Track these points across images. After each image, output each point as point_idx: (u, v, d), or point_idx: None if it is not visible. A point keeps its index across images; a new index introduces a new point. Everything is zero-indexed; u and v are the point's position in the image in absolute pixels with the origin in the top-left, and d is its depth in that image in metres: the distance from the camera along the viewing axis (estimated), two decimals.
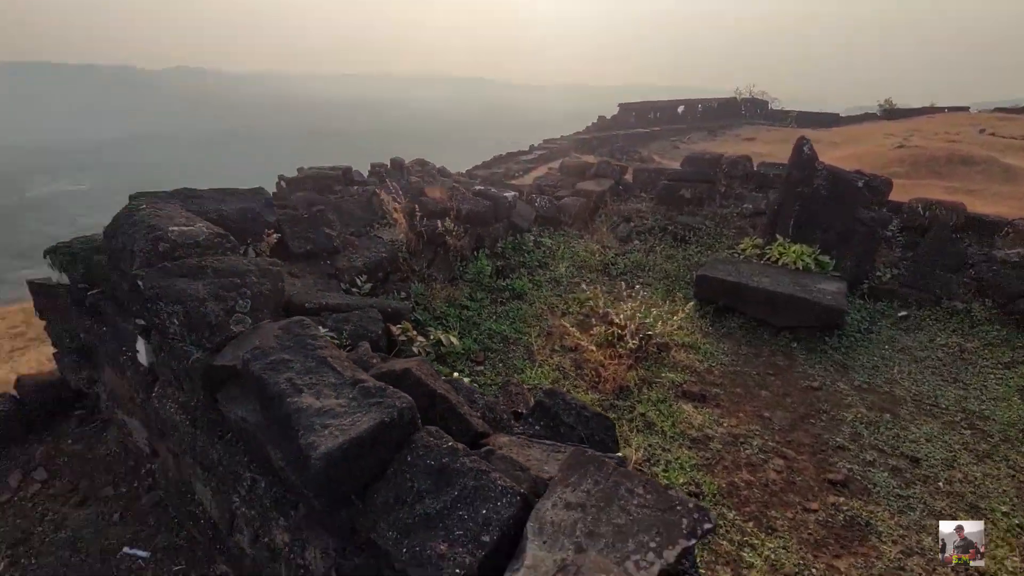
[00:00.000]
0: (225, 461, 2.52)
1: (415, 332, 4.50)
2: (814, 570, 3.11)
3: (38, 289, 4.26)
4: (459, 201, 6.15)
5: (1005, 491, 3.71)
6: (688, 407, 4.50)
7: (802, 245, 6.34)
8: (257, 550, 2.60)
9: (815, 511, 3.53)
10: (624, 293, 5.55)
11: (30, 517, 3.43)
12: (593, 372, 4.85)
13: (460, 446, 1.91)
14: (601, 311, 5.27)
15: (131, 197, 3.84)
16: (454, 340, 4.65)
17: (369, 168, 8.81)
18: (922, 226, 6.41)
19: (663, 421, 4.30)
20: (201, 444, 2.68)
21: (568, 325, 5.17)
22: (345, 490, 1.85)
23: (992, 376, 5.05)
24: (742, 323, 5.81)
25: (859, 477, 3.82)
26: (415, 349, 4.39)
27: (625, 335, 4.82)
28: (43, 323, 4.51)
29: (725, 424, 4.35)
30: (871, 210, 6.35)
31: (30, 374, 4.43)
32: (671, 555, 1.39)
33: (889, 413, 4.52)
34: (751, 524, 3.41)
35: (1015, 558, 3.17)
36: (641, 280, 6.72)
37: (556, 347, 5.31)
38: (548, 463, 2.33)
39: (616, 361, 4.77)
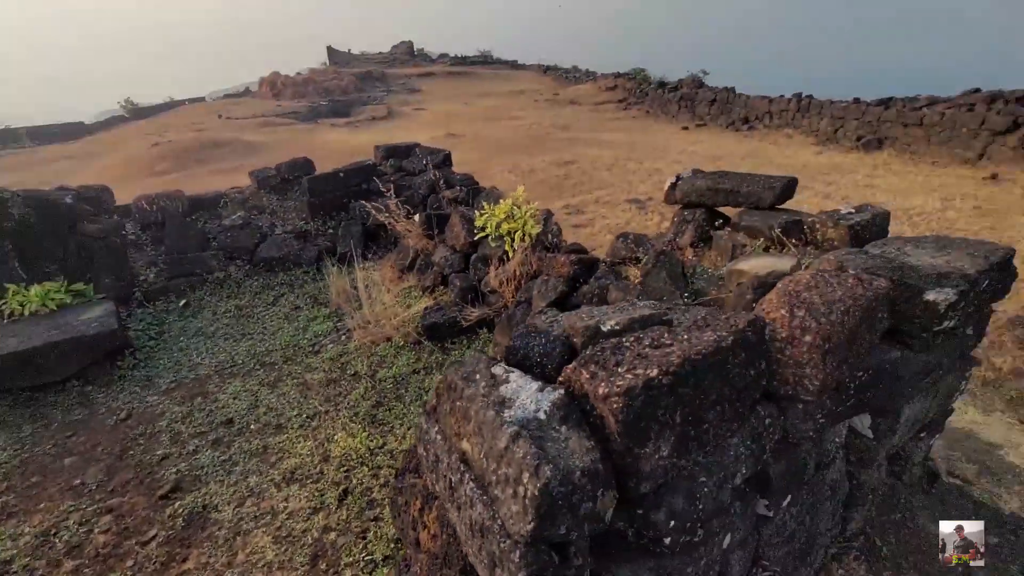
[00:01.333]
0: None
1: None
2: None
3: None
4: None
5: (292, 400, 4.66)
6: None
7: (44, 284, 5.52)
8: None
9: (157, 540, 3.41)
10: None
11: None
12: None
13: None
14: None
15: None
16: None
17: None
18: (158, 221, 6.75)
19: None
20: None
21: None
22: None
23: (266, 317, 6.14)
24: (12, 404, 4.71)
25: (187, 472, 3.92)
26: None
27: None
28: None
29: (28, 530, 3.51)
30: (97, 221, 6.12)
31: None
32: None
33: (200, 396, 4.79)
34: None
35: (310, 443, 4.09)
36: None
37: None
38: None
39: None
